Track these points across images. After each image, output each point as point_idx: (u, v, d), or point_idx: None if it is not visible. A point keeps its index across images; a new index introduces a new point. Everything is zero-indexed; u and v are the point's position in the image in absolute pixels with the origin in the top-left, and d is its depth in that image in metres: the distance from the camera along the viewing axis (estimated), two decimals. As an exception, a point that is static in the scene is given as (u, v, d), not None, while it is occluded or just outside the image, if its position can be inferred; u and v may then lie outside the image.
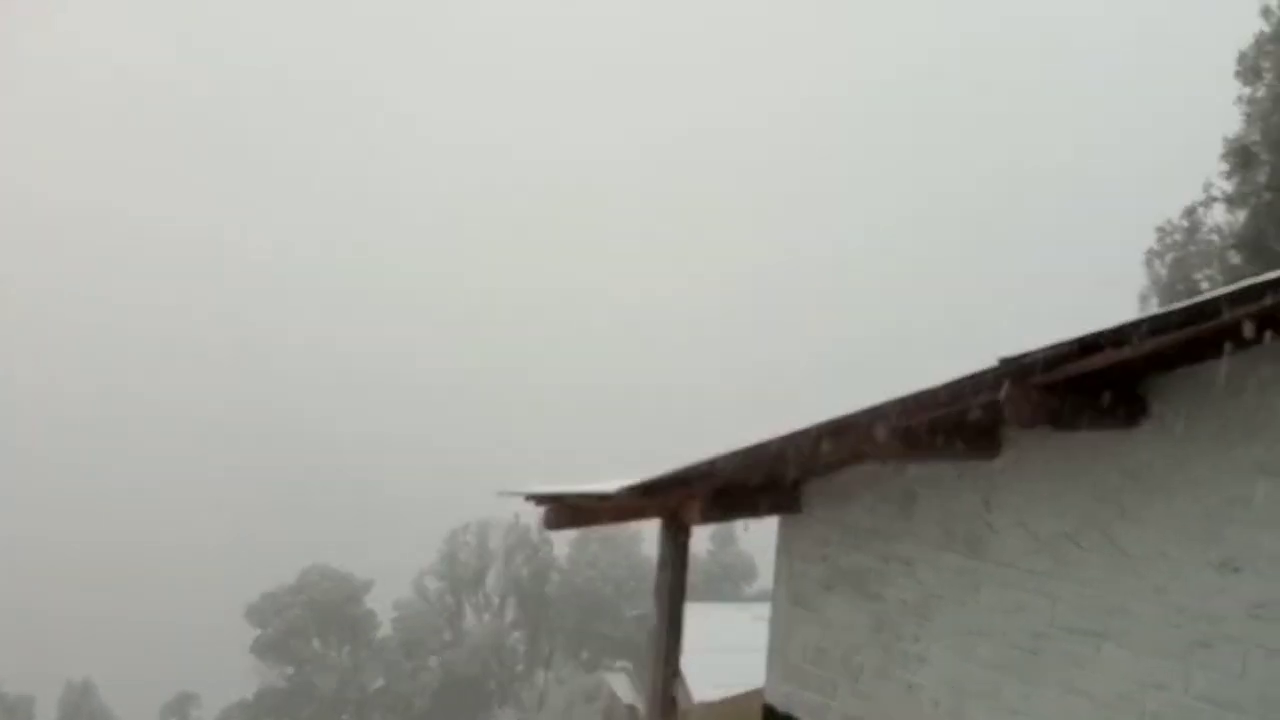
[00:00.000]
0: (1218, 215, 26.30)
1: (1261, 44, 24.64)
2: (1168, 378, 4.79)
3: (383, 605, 55.80)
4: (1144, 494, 4.91)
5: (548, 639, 56.30)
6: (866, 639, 5.91)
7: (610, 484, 6.10)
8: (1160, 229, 26.98)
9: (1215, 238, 26.11)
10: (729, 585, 53.78)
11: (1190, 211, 26.47)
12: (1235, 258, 25.10)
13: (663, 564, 6.61)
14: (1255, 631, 4.34)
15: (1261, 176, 24.23)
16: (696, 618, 8.08)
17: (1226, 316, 3.89)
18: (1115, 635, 4.80)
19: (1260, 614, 4.35)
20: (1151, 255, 27.09)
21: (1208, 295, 3.98)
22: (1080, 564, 4.99)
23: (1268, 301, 3.73)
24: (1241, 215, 25.50)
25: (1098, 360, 4.35)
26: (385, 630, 56.24)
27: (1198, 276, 25.60)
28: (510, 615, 57.64)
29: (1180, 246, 26.79)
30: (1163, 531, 4.81)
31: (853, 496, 6.08)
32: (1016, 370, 4.49)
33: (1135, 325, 4.07)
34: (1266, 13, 24.49)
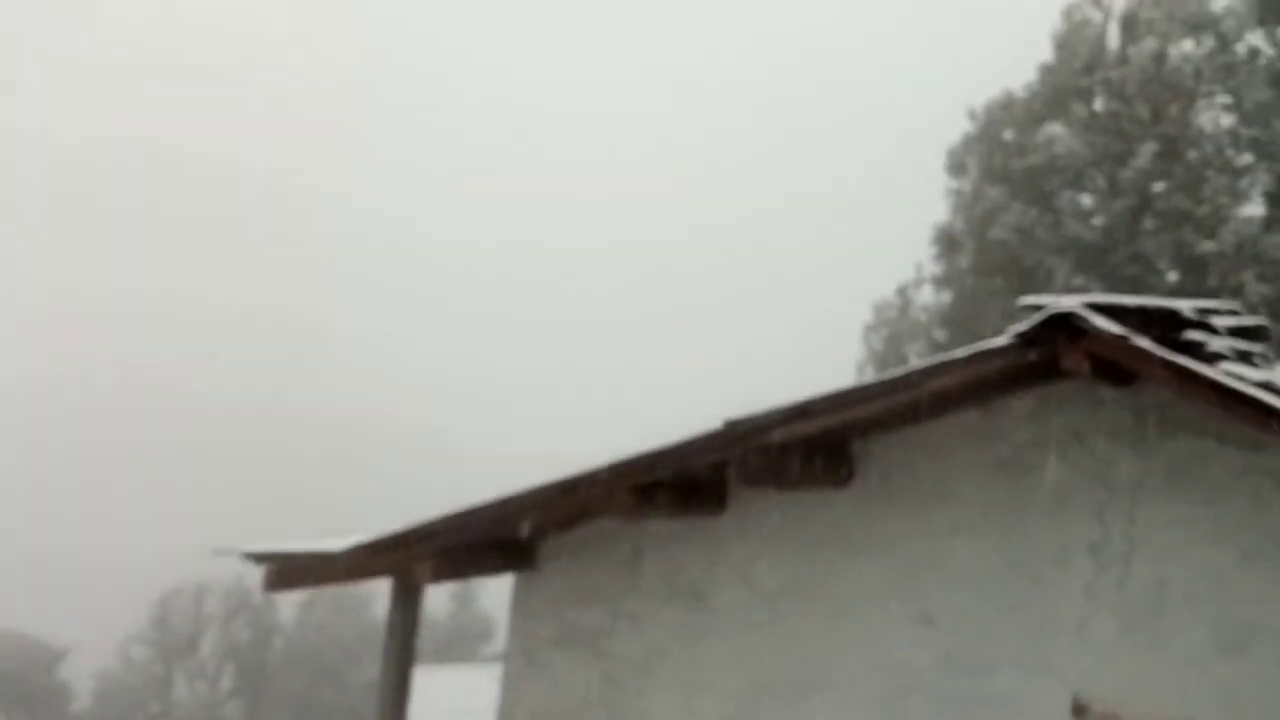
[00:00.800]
0: (927, 295, 29.06)
1: (968, 143, 27.70)
2: (874, 442, 5.15)
3: (81, 676, 50.25)
4: (851, 551, 5.22)
5: (268, 708, 52.65)
6: (595, 696, 5.89)
7: (338, 542, 5.80)
8: (877, 305, 29.44)
9: (924, 315, 28.73)
10: (466, 646, 52.56)
11: (903, 290, 29.11)
12: (941, 335, 27.80)
13: (391, 626, 6.34)
14: (948, 681, 4.69)
15: (965, 261, 26.99)
16: (432, 681, 7.78)
17: (921, 388, 4.26)
18: (825, 687, 5.04)
19: (949, 665, 4.71)
20: (868, 329, 29.46)
21: (905, 369, 4.35)
22: (795, 617, 5.22)
23: (955, 376, 4.12)
24: (947, 296, 28.19)
25: (813, 424, 4.63)
26: (83, 704, 50.66)
27: (908, 350, 28.01)
28: (227, 684, 53.49)
29: (894, 323, 29.35)
30: (868, 587, 5.13)
31: (585, 553, 6.09)
32: (740, 432, 4.70)
33: (845, 393, 4.38)
34: (973, 115, 27.59)
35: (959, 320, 27.08)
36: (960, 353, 4.18)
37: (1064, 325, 3.85)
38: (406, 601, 6.24)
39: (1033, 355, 4.00)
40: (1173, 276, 22.63)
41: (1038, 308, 3.99)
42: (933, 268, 28.06)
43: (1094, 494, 4.52)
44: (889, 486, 5.12)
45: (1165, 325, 4.20)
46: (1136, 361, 3.86)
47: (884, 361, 26.39)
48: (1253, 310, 20.68)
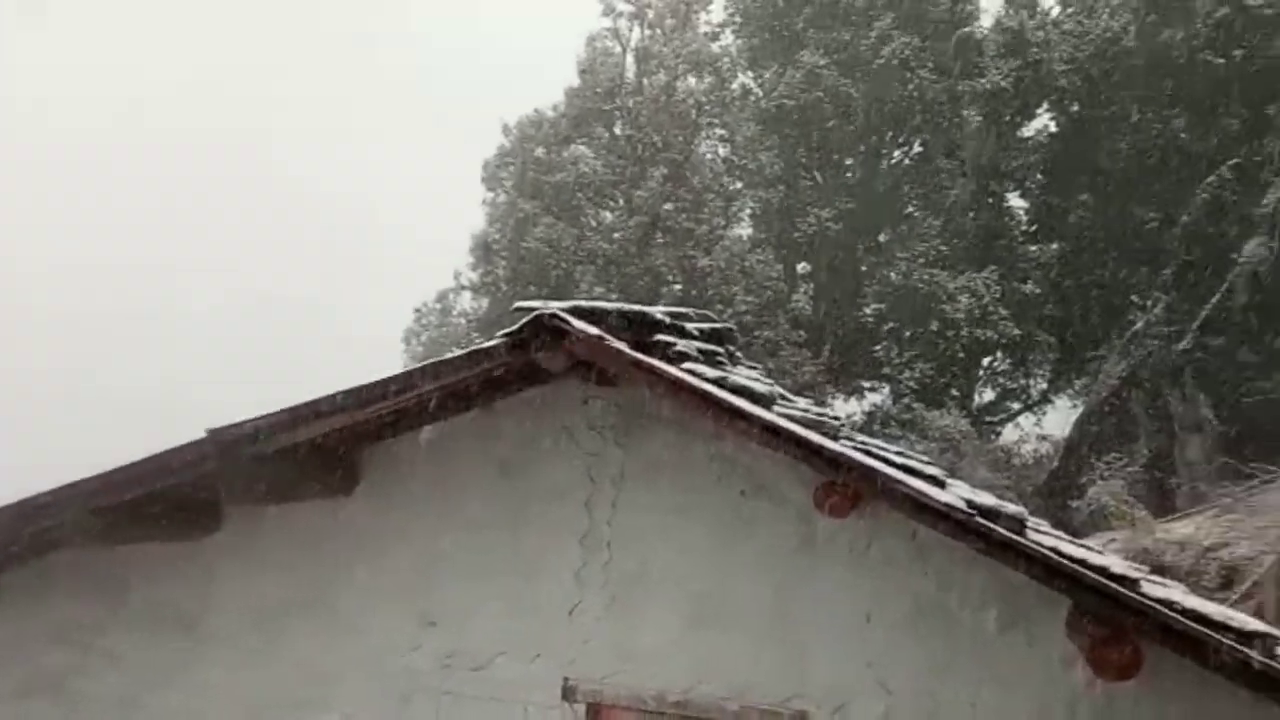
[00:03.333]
0: (466, 302, 29.70)
1: (502, 156, 28.70)
2: (381, 446, 5.06)
3: None
4: (359, 558, 5.08)
5: None
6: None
7: None
8: (418, 310, 29.53)
9: (463, 321, 29.29)
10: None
11: (443, 297, 29.50)
12: (480, 341, 28.54)
13: None
14: (445, 681, 4.72)
15: (501, 270, 27.93)
16: None
17: (419, 390, 4.24)
18: (327, 703, 4.85)
19: (450, 664, 4.75)
20: (410, 334, 29.46)
21: (403, 370, 4.31)
22: (297, 635, 4.97)
23: (451, 377, 4.16)
24: (485, 303, 28.95)
25: (308, 431, 4.42)
26: None
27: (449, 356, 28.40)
28: None
29: (435, 328, 29.63)
30: (375, 594, 5.03)
31: (56, 587, 5.33)
32: (227, 442, 4.36)
33: (342, 396, 4.23)
34: (506, 130, 28.65)
35: (497, 326, 27.93)
36: (454, 355, 4.23)
37: (547, 327, 4.03)
38: None
39: (520, 355, 4.14)
40: (678, 287, 25.19)
41: (528, 311, 4.14)
42: (471, 275, 28.80)
43: (583, 487, 4.80)
44: (394, 491, 5.06)
45: (641, 329, 4.57)
46: (611, 361, 4.15)
47: (423, 366, 26.38)
48: (740, 318, 23.77)
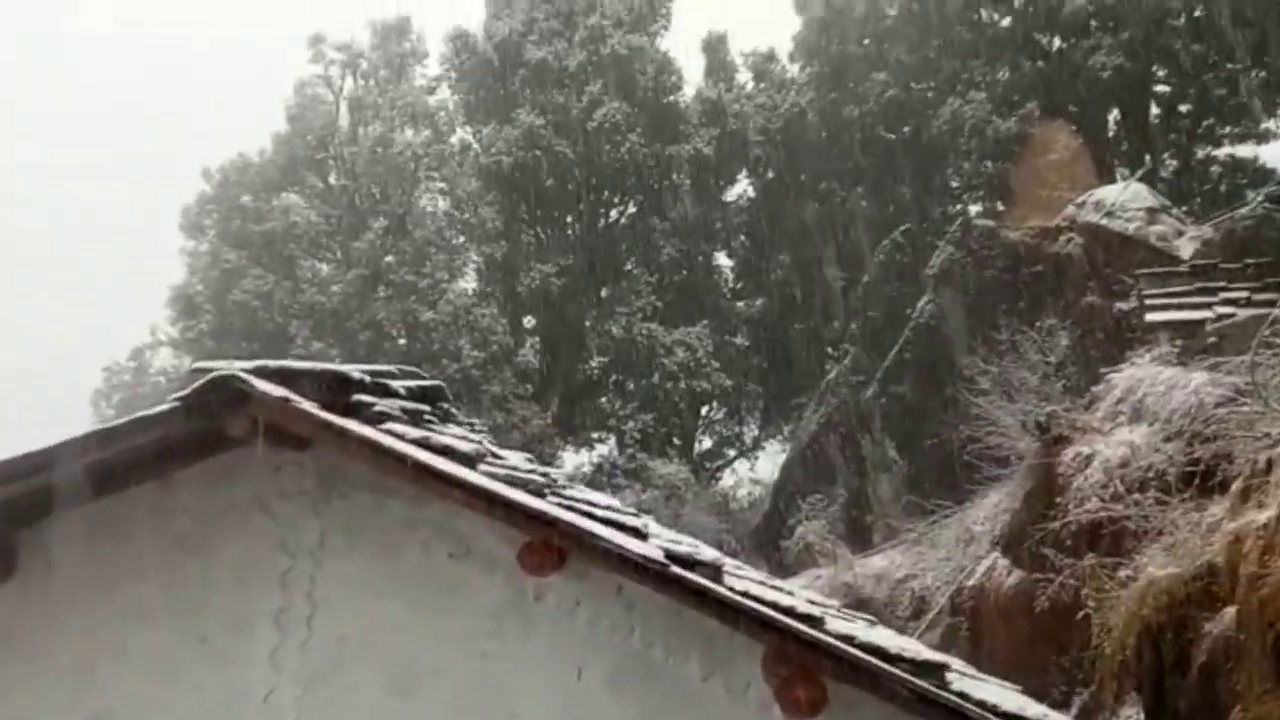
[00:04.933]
0: (165, 359, 27.51)
1: (204, 203, 27.01)
2: (40, 526, 4.50)
3: None
4: (18, 655, 4.48)
5: None
6: None
7: None
8: (107, 369, 27.03)
9: (162, 380, 27.08)
10: None
11: (138, 354, 27.18)
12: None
13: None
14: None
15: (205, 324, 26.14)
16: None
17: (81, 461, 3.82)
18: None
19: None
20: (99, 395, 26.88)
21: (59, 441, 3.86)
22: (-71, 753, 4.29)
23: (116, 446, 3.77)
24: (187, 359, 26.94)
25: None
26: None
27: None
28: None
29: (129, 387, 27.18)
30: (33, 693, 4.44)
31: None
32: None
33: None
34: (208, 174, 27.02)
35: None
36: (119, 421, 3.84)
37: (226, 389, 3.76)
38: None
39: (197, 421, 3.83)
40: (402, 342, 24.65)
41: (206, 372, 3.85)
42: (170, 330, 26.78)
43: (277, 561, 4.48)
44: (60, 576, 4.51)
45: (338, 389, 4.36)
46: (298, 424, 3.93)
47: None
48: (466, 372, 23.57)
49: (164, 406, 3.85)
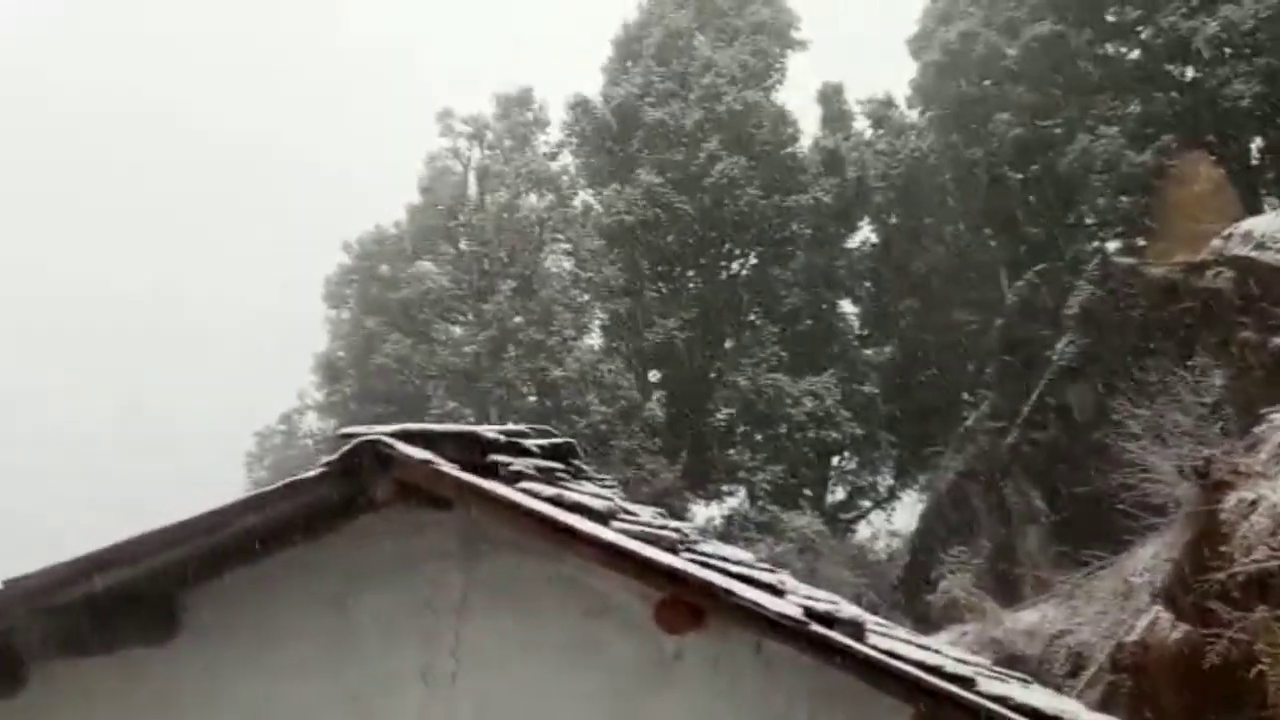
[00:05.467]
0: (312, 423, 28.77)
1: (346, 274, 28.35)
2: (201, 588, 4.73)
3: None
4: (181, 707, 4.69)
5: None
6: None
7: None
8: (259, 434, 28.39)
9: (310, 443, 28.29)
10: None
11: (287, 418, 28.50)
12: (327, 462, 27.54)
13: None
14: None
15: (348, 388, 27.28)
16: None
17: (235, 526, 4.01)
18: None
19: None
20: (252, 459, 28.23)
21: (222, 505, 4.07)
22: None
23: (270, 511, 3.95)
24: (332, 423, 28.10)
25: (114, 577, 4.10)
26: None
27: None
28: None
29: (279, 450, 28.48)
30: (199, 749, 4.63)
31: None
32: (23, 593, 4.00)
33: (148, 539, 3.96)
34: (348, 247, 28.39)
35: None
36: (273, 486, 4.03)
37: (371, 453, 3.90)
38: None
39: (345, 484, 3.98)
40: (532, 399, 25.14)
41: (352, 437, 4.00)
42: (316, 395, 28.01)
43: (422, 618, 4.59)
44: (218, 635, 4.72)
45: (475, 450, 4.47)
46: (439, 485, 4.03)
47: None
48: (595, 427, 23.81)
49: (314, 471, 4.01)
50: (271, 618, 4.68)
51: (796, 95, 29.16)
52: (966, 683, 3.63)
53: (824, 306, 27.94)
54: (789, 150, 27.92)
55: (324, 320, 28.19)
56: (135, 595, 4.32)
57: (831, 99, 29.12)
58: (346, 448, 3.91)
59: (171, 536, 3.98)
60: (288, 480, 4.03)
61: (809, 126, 29.12)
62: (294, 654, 4.67)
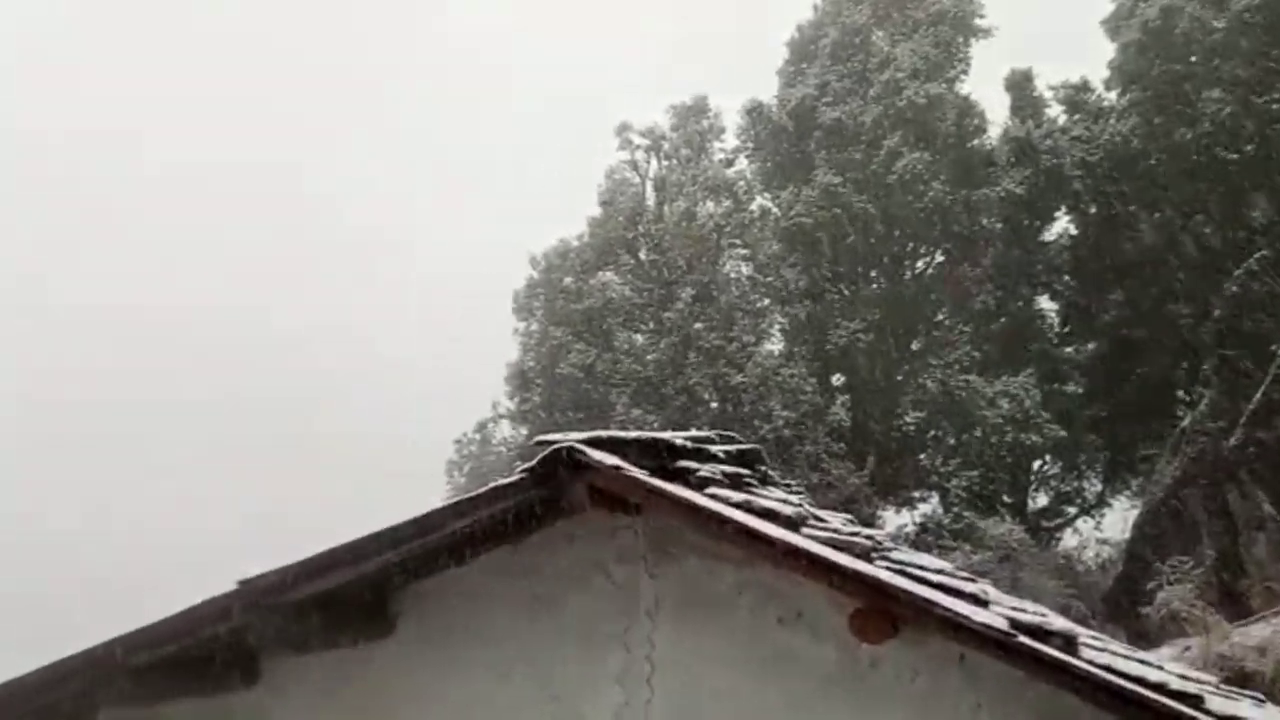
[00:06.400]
0: (505, 430, 29.89)
1: (533, 287, 29.32)
2: (412, 588, 5.00)
3: None
4: (394, 703, 4.97)
5: None
6: None
7: None
8: (458, 442, 29.72)
9: (504, 450, 29.38)
10: None
11: (482, 427, 29.71)
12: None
13: None
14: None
15: (537, 397, 28.17)
16: None
17: (445, 529, 4.22)
18: None
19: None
20: (452, 465, 29.59)
21: (431, 509, 4.29)
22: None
23: (474, 515, 4.14)
24: (524, 430, 29.06)
25: (338, 576, 4.39)
26: None
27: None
28: None
29: (476, 457, 29.74)
30: (407, 746, 4.89)
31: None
32: (259, 592, 4.34)
33: (368, 541, 4.21)
34: (534, 261, 29.37)
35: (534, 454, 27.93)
36: (477, 492, 4.22)
37: (566, 460, 4.02)
38: None
39: (543, 489, 4.12)
40: (714, 405, 25.18)
41: (547, 444, 4.14)
42: (508, 404, 29.07)
43: (617, 621, 4.69)
44: (429, 633, 4.97)
45: (663, 455, 4.54)
46: (629, 490, 4.12)
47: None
48: (778, 432, 23.62)
49: (514, 477, 4.18)
50: (477, 619, 4.89)
51: (983, 85, 28.04)
52: (1193, 700, 3.39)
53: (1019, 303, 26.68)
54: (975, 142, 26.87)
55: (514, 332, 29.24)
56: (355, 595, 4.61)
57: (1021, 86, 27.81)
58: (544, 454, 4.05)
59: (389, 539, 4.23)
60: (491, 485, 4.22)
61: (997, 116, 27.96)
62: (499, 655, 4.86)
